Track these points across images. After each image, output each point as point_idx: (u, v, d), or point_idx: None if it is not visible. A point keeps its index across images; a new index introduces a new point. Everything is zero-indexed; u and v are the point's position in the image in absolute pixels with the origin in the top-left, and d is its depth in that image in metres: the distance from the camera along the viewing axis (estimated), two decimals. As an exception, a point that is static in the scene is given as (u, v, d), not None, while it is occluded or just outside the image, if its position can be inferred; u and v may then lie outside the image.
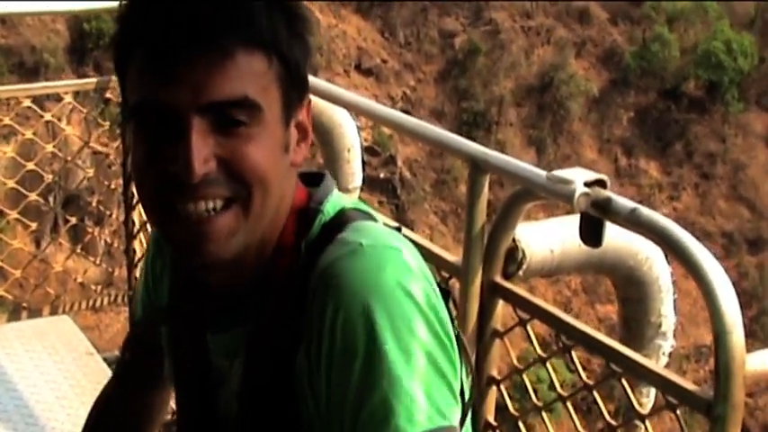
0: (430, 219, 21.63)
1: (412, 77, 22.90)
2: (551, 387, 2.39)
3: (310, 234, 1.34)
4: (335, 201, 1.38)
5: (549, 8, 25.49)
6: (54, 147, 4.20)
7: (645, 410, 2.20)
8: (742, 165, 24.80)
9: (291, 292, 1.30)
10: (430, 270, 1.32)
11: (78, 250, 4.26)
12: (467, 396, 1.36)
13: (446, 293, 1.36)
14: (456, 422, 1.25)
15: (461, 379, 1.33)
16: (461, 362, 1.35)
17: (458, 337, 1.34)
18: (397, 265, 1.26)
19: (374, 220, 1.39)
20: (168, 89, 1.21)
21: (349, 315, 1.22)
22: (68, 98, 4.05)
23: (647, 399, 2.46)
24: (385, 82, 22.41)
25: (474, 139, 2.55)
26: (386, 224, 1.40)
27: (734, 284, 1.89)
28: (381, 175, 20.27)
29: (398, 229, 1.40)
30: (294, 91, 1.30)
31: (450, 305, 1.37)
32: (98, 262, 4.78)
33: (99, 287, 4.28)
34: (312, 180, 1.42)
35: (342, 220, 1.34)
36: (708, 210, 23.74)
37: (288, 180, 1.33)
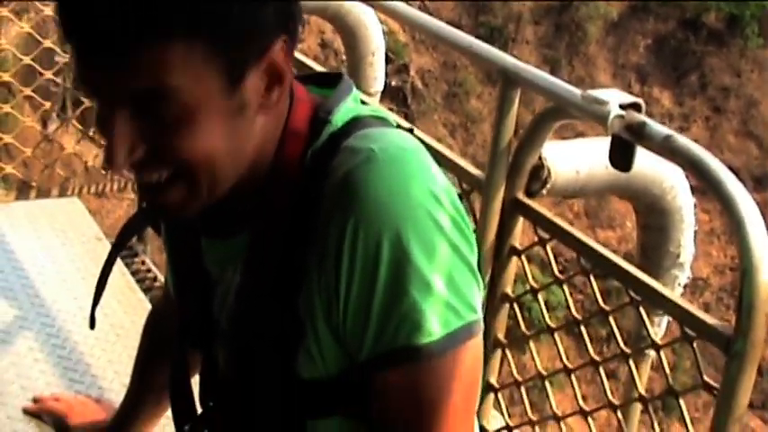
0: (438, 131, 21.48)
1: (432, -14, 22.58)
2: (567, 309, 2.37)
3: (316, 143, 1.29)
4: (348, 109, 1.33)
5: (575, -73, 25.03)
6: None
7: (659, 340, 2.19)
8: (755, 101, 24.55)
9: (299, 200, 1.26)
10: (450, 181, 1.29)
11: (91, 134, 4.19)
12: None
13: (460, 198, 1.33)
14: (481, 314, 1.27)
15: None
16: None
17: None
18: (418, 173, 1.22)
19: (387, 123, 1.33)
20: (90, 77, 1.16)
21: (371, 230, 1.19)
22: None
23: (659, 329, 2.44)
24: (404, -12, 22.13)
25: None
26: (399, 125, 1.36)
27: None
28: (393, 83, 20.07)
29: (411, 131, 1.35)
30: (239, 52, 1.19)
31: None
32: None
33: (109, 173, 4.23)
34: (330, 81, 1.37)
35: (349, 127, 1.29)
36: (717, 144, 23.57)
37: (260, 129, 1.26)
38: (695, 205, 2.55)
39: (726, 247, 20.65)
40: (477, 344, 1.27)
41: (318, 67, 3.06)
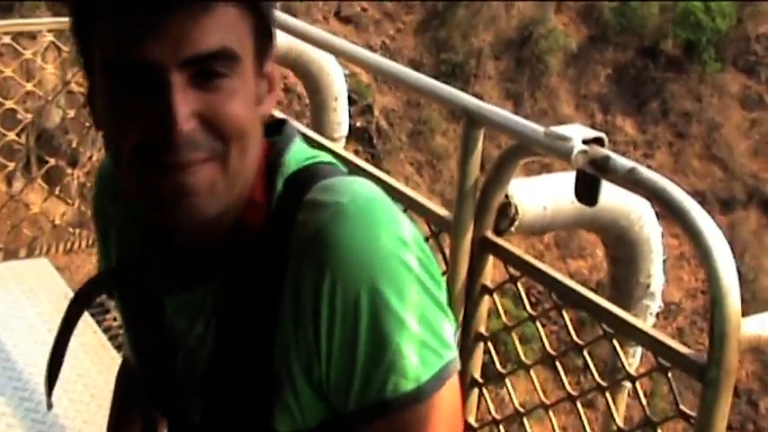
0: (405, 169, 21.57)
1: (392, 27, 22.69)
2: (540, 346, 2.37)
3: (276, 191, 1.29)
4: (297, 152, 1.33)
5: (531, -38, 25.35)
6: (33, 86, 4.12)
7: (634, 372, 2.19)
8: (717, 125, 24.80)
9: (266, 253, 1.26)
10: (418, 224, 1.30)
11: (57, 192, 4.18)
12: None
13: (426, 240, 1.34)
14: (456, 351, 1.28)
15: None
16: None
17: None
18: (386, 222, 1.23)
19: (340, 171, 1.34)
20: (146, 44, 1.14)
21: (348, 285, 1.19)
22: (50, 37, 3.96)
23: (633, 359, 2.45)
24: (364, 31, 22.19)
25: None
26: (352, 171, 1.36)
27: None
28: (358, 124, 20.13)
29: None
30: (264, 41, 1.25)
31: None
32: (74, 204, 4.71)
33: (77, 230, 4.22)
34: (273, 129, 1.36)
35: (306, 176, 1.29)
36: (681, 168, 23.77)
37: (259, 134, 1.28)
38: (663, 233, 2.58)
39: (696, 270, 20.75)
40: (456, 380, 1.28)
41: (279, 114, 3.07)
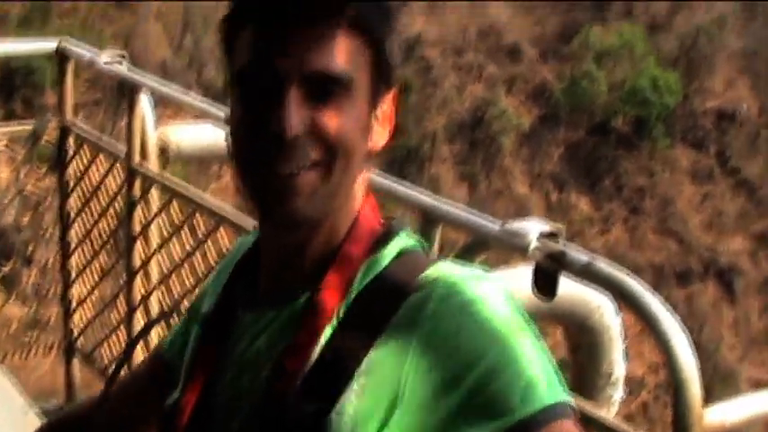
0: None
1: (345, 113, 22.94)
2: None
3: (394, 245, 1.35)
4: (409, 234, 1.40)
5: (480, 46, 25.74)
6: (-13, 191, 4.11)
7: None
8: (670, 199, 25.11)
9: (371, 298, 1.30)
10: None
11: (12, 298, 4.13)
12: None
13: None
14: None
15: None
16: None
17: None
18: (510, 306, 1.30)
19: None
20: (275, 58, 1.28)
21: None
22: (4, 140, 3.97)
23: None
24: (318, 118, 22.43)
25: (407, 175, 2.57)
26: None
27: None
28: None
29: None
30: (382, 78, 1.35)
31: None
32: (31, 307, 4.64)
33: (34, 332, 4.17)
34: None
35: (423, 256, 1.35)
36: (637, 243, 23.99)
37: (364, 166, 1.37)
38: (620, 313, 2.59)
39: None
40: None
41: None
